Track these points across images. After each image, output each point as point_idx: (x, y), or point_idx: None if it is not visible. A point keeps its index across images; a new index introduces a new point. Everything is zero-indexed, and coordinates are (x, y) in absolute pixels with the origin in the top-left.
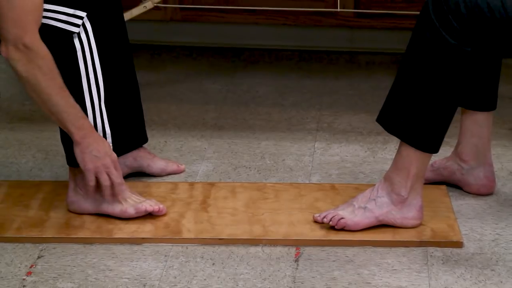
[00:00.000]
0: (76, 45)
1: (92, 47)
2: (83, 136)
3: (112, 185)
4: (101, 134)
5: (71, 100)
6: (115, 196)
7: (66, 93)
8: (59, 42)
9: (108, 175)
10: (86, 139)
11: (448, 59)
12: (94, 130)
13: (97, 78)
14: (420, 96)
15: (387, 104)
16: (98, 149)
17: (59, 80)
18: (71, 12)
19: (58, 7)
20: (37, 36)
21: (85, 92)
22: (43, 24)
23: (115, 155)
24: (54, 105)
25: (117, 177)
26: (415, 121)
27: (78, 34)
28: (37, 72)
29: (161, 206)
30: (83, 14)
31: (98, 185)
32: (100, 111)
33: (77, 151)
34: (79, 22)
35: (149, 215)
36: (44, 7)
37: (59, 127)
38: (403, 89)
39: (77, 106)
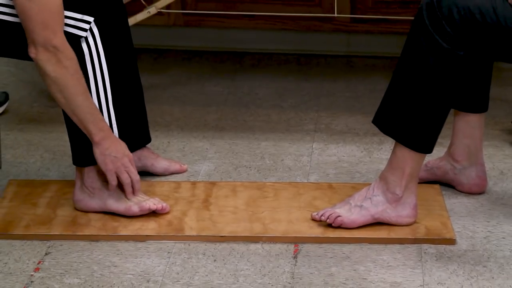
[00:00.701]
0: (84, 49)
1: (100, 51)
2: (102, 138)
3: (132, 182)
4: None
5: (92, 102)
6: (136, 193)
7: (89, 95)
8: None
9: (128, 174)
10: (105, 140)
11: (441, 63)
12: (111, 132)
13: (105, 81)
14: (414, 98)
15: (382, 106)
16: (116, 150)
17: (83, 81)
18: (79, 17)
19: (67, 12)
20: (64, 37)
21: (93, 94)
22: None
23: (131, 154)
24: (78, 106)
25: (136, 175)
26: (410, 123)
27: (86, 38)
28: (65, 73)
29: (164, 204)
30: (91, 19)
31: (106, 183)
32: (108, 113)
33: (97, 152)
34: (86, 26)
35: (153, 213)
36: None
37: (67, 128)
38: (398, 92)
39: (97, 109)
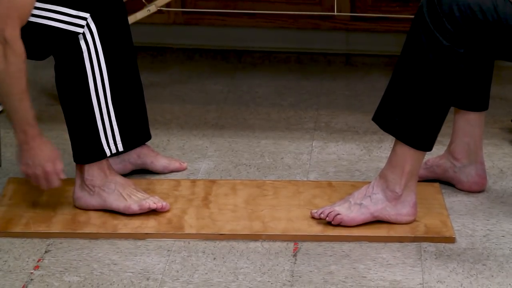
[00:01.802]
0: (82, 46)
1: (98, 48)
2: (23, 141)
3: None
4: (110, 132)
5: (26, 105)
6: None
7: (25, 96)
8: (65, 44)
9: (39, 180)
10: (25, 145)
11: (441, 60)
12: (37, 139)
13: (103, 78)
14: (414, 96)
15: (382, 104)
16: (32, 158)
17: (23, 82)
18: (74, 13)
19: (61, 8)
20: (17, 32)
21: (92, 92)
22: (48, 26)
23: (51, 165)
24: (9, 104)
25: (45, 186)
26: (410, 120)
27: (84, 35)
28: (7, 68)
29: (164, 203)
30: (86, 15)
31: (101, 184)
32: (107, 110)
33: (18, 150)
34: (82, 23)
35: (153, 211)
36: (46, 8)
37: (67, 126)
38: (398, 89)
39: (30, 112)
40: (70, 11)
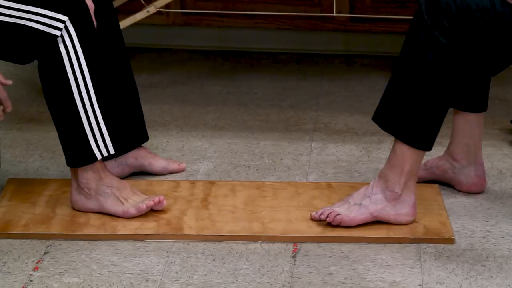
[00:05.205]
0: (61, 50)
1: (78, 51)
2: None
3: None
4: (99, 135)
5: None
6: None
7: None
8: (44, 47)
9: None
10: None
11: (440, 58)
12: None
13: (86, 81)
14: (413, 94)
15: (382, 103)
16: None
17: None
18: (51, 15)
19: (39, 9)
20: None
21: (76, 96)
22: (25, 26)
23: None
24: None
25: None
26: (409, 119)
27: (63, 38)
28: None
29: (161, 197)
30: (65, 18)
31: (97, 187)
32: (93, 112)
33: None
34: (60, 25)
35: (152, 212)
36: (25, 9)
37: (57, 130)
38: (397, 88)
39: None
40: (48, 12)
